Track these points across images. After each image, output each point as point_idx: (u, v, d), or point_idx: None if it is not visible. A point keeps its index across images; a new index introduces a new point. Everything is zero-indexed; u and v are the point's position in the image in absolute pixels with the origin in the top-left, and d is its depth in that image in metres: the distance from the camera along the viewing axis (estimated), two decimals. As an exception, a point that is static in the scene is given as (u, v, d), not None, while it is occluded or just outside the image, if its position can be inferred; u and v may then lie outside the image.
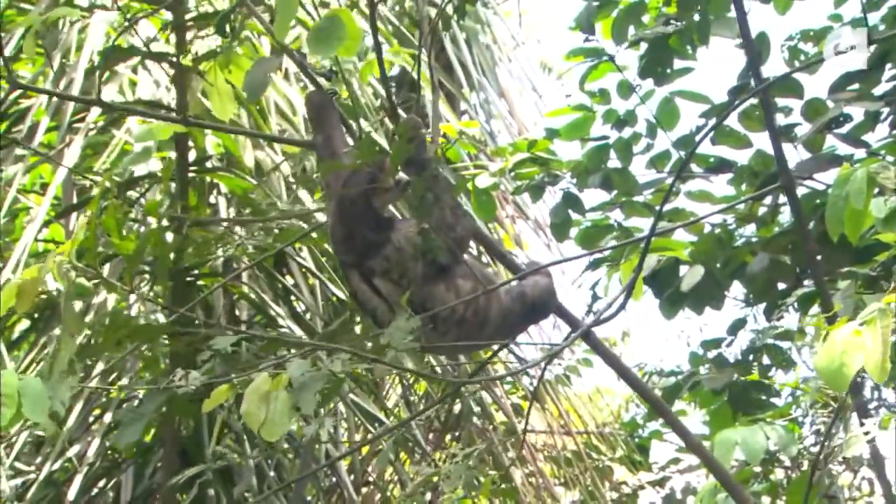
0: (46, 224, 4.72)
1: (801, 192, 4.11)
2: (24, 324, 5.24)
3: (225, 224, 4.59)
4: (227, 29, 3.31)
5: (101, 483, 4.83)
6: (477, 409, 5.68)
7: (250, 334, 4.42)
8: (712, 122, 4.00)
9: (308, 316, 5.06)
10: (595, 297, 4.26)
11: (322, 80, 3.39)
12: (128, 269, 2.77)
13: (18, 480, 4.61)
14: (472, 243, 3.29)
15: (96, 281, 2.71)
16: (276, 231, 4.34)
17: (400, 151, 2.72)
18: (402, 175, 2.81)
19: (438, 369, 4.80)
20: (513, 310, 2.94)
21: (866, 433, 2.97)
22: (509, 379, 6.35)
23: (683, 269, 4.20)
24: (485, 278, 2.93)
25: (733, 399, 4.51)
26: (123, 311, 4.50)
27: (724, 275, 4.21)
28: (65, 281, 2.57)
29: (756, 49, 3.88)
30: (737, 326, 4.65)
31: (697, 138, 4.12)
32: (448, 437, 5.93)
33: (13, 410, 2.46)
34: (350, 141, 3.20)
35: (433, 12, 3.68)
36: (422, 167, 2.86)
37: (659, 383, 5.95)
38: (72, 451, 4.62)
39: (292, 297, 5.09)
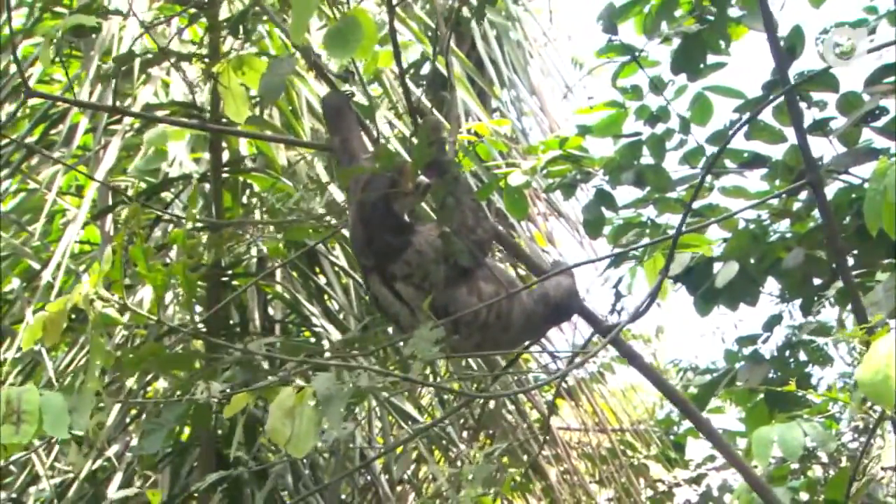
0: (83, 226, 4.76)
1: (837, 186, 4.08)
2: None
3: (250, 225, 4.61)
4: (241, 31, 3.29)
5: (139, 482, 4.87)
6: (511, 406, 5.68)
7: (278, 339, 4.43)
8: (746, 117, 3.96)
9: (342, 315, 5.08)
10: (619, 296, 4.23)
11: (343, 81, 3.39)
12: (155, 298, 2.73)
13: (58, 479, 4.66)
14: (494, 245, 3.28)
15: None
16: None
17: (420, 155, 2.70)
18: (422, 178, 2.79)
19: (474, 365, 4.80)
20: (536, 311, 2.92)
21: None
22: (543, 376, 6.34)
23: (717, 266, 4.18)
24: (507, 281, 2.91)
25: (770, 396, 4.48)
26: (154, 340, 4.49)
27: (758, 271, 4.17)
28: (91, 312, 2.54)
29: (786, 44, 3.86)
30: (772, 323, 4.61)
31: (730, 133, 4.09)
32: (482, 434, 5.93)
33: (34, 427, 2.46)
34: (368, 143, 3.17)
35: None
36: (442, 170, 2.85)
37: (694, 381, 5.92)
38: (110, 451, 4.67)
39: (326, 296, 5.11)
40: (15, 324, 4.96)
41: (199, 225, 4.84)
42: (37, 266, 4.91)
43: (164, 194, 5.01)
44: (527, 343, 3.27)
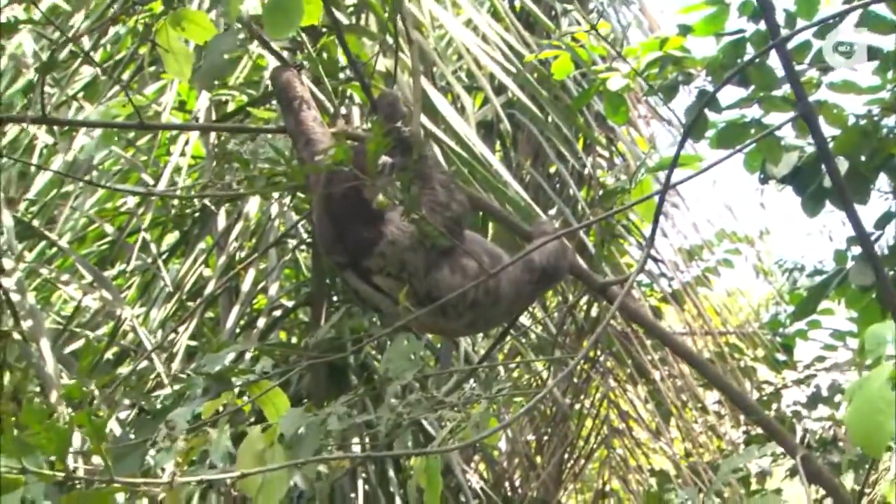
0: (186, 141, 4.86)
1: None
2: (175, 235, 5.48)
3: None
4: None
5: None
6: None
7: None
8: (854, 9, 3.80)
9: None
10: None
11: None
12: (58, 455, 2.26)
13: (178, 386, 4.86)
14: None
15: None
16: None
17: (378, 142, 2.46)
18: (385, 159, 2.61)
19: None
20: (523, 280, 2.79)
21: None
22: (647, 281, 6.32)
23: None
24: (489, 253, 2.78)
25: (882, 295, 4.37)
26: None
27: (869, 168, 4.06)
28: None
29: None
30: (884, 220, 4.49)
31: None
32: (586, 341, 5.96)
33: None
34: (322, 121, 2.96)
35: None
36: (405, 147, 2.70)
37: (802, 282, 5.82)
38: (228, 357, 4.81)
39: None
40: (130, 236, 5.13)
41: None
42: (149, 179, 5.05)
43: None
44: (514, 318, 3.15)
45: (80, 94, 4.81)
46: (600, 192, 5.59)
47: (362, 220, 2.66)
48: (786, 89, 4.09)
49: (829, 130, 4.18)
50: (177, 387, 4.79)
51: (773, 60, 4.05)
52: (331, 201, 2.67)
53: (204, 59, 2.85)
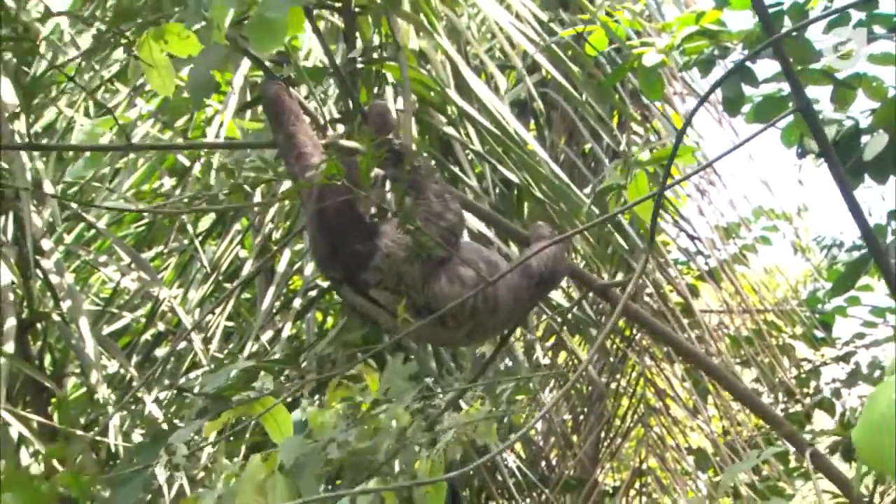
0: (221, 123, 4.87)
1: None
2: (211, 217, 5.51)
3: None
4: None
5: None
6: (650, 290, 5.65)
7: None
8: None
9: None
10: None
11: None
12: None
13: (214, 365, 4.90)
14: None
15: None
16: None
17: (370, 156, 2.42)
18: (377, 171, 2.60)
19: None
20: (521, 286, 2.75)
21: None
22: (682, 259, 6.28)
23: (865, 139, 4.03)
24: (485, 261, 2.75)
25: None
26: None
27: (910, 142, 4.01)
28: None
29: None
30: (924, 196, 4.44)
31: None
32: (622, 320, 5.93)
33: None
34: (312, 134, 2.92)
35: None
36: (397, 159, 2.67)
37: (840, 258, 5.76)
38: (265, 337, 4.85)
39: (459, 185, 5.13)
40: (166, 217, 5.17)
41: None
42: (185, 161, 5.07)
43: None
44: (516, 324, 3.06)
45: (102, 78, 4.83)
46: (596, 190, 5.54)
47: (356, 233, 2.64)
48: (824, 62, 4.04)
49: (868, 103, 4.13)
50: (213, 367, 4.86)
51: (812, 32, 4.00)
52: (324, 216, 2.64)
53: (188, 76, 2.82)
